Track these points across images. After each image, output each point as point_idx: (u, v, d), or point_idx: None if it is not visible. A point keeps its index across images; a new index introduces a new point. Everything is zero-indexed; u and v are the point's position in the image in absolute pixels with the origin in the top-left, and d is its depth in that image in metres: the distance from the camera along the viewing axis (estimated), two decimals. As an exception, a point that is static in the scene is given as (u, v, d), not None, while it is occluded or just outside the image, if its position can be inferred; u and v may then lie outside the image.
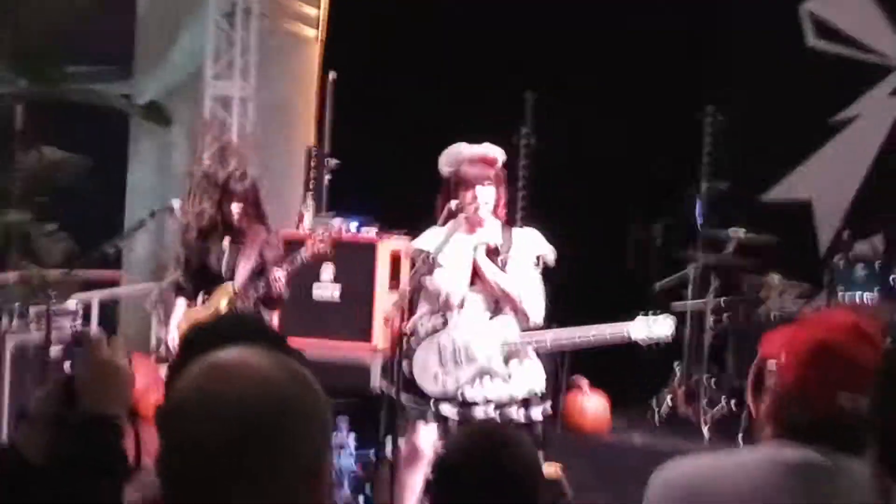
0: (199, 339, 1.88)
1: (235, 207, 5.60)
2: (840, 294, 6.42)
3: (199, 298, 5.69)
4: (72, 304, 6.24)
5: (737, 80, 7.86)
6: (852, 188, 7.68)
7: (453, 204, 4.57)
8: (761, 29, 7.90)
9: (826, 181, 7.75)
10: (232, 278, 5.60)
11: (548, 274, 4.69)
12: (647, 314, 4.51)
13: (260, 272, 5.58)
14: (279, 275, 5.44)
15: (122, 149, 8.54)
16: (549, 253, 4.64)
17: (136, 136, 8.52)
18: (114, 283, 7.95)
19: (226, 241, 5.68)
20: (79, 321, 6.21)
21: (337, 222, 6.09)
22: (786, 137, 7.73)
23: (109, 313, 7.66)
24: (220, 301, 5.56)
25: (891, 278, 6.24)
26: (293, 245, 6.17)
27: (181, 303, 5.77)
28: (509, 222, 4.76)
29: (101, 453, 1.83)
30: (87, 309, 6.74)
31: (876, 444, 1.55)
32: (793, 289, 7.08)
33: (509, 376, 4.53)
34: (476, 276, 4.57)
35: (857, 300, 6.31)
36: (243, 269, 5.58)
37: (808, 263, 7.14)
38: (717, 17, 7.90)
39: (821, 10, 7.84)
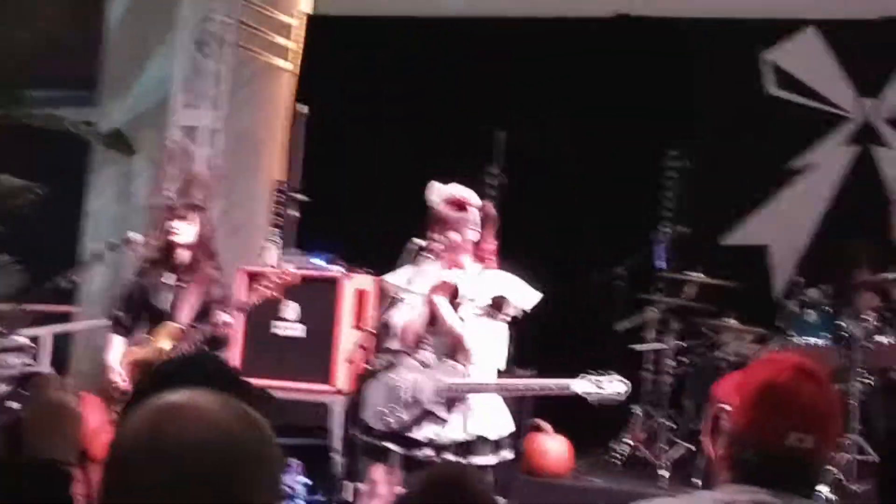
0: (154, 381, 1.82)
1: (181, 230, 5.34)
2: (793, 339, 6.57)
3: (141, 335, 5.41)
4: (21, 339, 5.93)
5: (700, 126, 8.01)
6: (806, 234, 7.85)
7: (418, 241, 4.55)
8: (724, 76, 8.09)
9: (781, 227, 7.84)
10: (173, 316, 5.32)
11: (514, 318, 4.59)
12: (597, 374, 4.44)
13: (205, 312, 5.30)
14: (225, 318, 5.17)
15: (82, 176, 8.26)
16: (522, 299, 4.57)
17: (98, 163, 8.23)
18: (67, 318, 7.73)
19: (171, 278, 5.41)
20: (29, 357, 5.89)
21: (292, 266, 5.99)
22: (745, 183, 7.84)
23: (62, 349, 7.34)
24: (164, 340, 5.29)
25: (839, 323, 6.41)
26: (255, 280, 6.18)
27: (118, 340, 5.46)
28: (489, 264, 4.66)
29: (47, 500, 1.72)
30: (37, 344, 6.40)
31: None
32: (748, 333, 7.23)
33: (451, 421, 4.45)
34: (431, 319, 4.52)
35: (809, 345, 6.47)
36: (188, 308, 5.30)
37: (763, 308, 7.26)
38: (682, 64, 8.09)
39: (781, 60, 8.00)
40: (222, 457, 1.33)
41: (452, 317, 4.51)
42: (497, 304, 4.57)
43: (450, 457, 4.46)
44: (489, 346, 4.57)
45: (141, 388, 1.86)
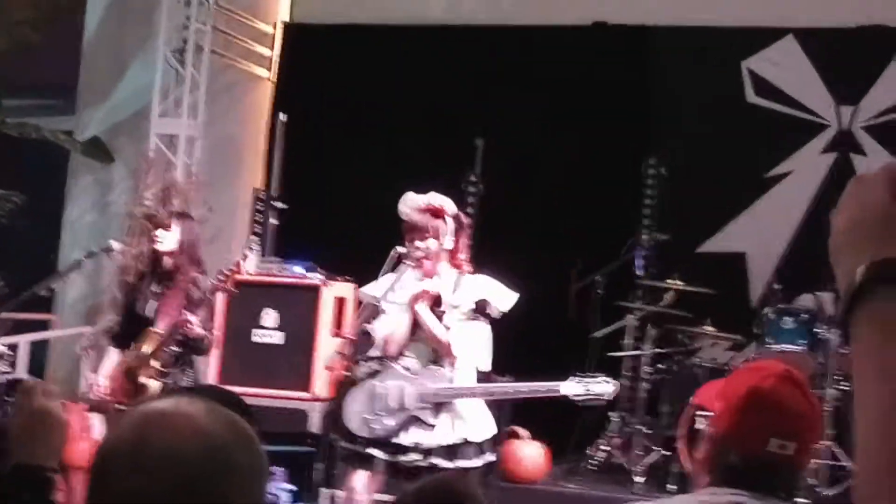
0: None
1: (164, 239, 5.34)
2: (769, 345, 6.58)
3: (132, 345, 5.37)
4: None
5: (678, 134, 8.06)
6: (784, 242, 7.86)
7: (400, 249, 4.58)
8: (703, 84, 8.12)
9: (759, 234, 7.87)
10: (157, 322, 5.29)
11: (491, 322, 4.64)
12: (584, 376, 4.51)
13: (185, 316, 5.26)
14: (189, 317, 5.15)
15: (60, 185, 8.21)
16: (501, 301, 4.61)
17: (76, 172, 8.19)
18: (44, 326, 7.72)
19: (155, 286, 5.41)
20: (6, 365, 5.84)
21: (248, 262, 5.82)
22: (724, 190, 7.88)
23: (38, 357, 7.31)
24: (146, 345, 5.27)
25: (815, 330, 6.42)
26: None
27: (113, 352, 5.46)
28: (465, 270, 4.69)
29: None
30: (14, 352, 6.37)
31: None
32: (725, 340, 7.25)
33: (439, 426, 4.47)
34: (416, 324, 4.54)
35: (786, 351, 6.48)
36: (167, 314, 5.29)
37: (739, 315, 7.28)
38: (661, 72, 8.12)
39: (760, 68, 8.05)
40: (209, 464, 1.31)
41: (436, 325, 4.53)
42: (480, 307, 4.60)
43: (437, 461, 4.47)
44: (475, 349, 4.59)
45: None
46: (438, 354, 4.57)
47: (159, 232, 5.41)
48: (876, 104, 7.74)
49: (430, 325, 4.52)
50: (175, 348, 5.25)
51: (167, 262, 5.42)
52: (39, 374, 7.22)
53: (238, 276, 5.27)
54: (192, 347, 5.32)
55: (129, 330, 5.45)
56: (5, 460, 1.82)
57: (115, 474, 1.31)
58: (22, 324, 6.86)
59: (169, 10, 7.92)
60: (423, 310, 4.53)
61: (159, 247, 5.42)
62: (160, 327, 5.31)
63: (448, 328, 4.54)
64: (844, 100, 7.82)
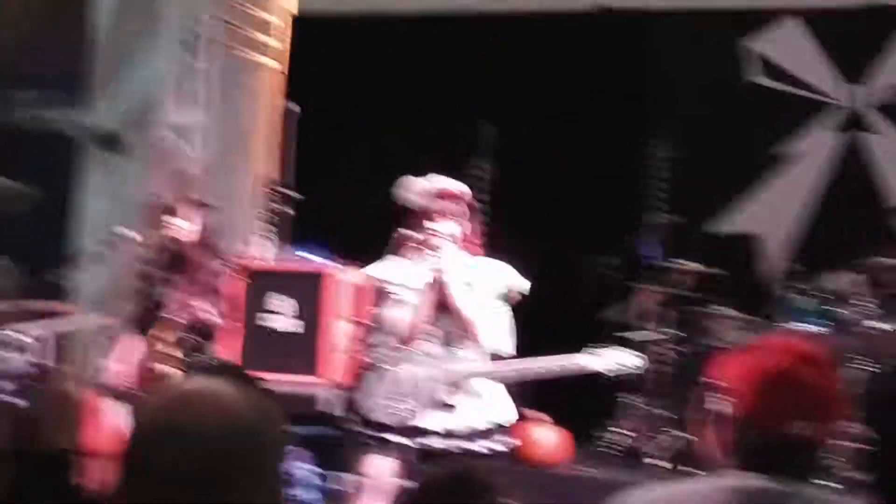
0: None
1: (178, 227, 5.38)
2: (785, 325, 6.56)
3: (149, 332, 5.37)
4: (23, 337, 5.98)
5: (688, 116, 8.02)
6: (797, 222, 7.87)
7: (413, 235, 4.59)
8: (708, 66, 8.08)
9: (772, 215, 7.85)
10: (173, 311, 5.34)
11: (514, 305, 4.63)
12: (612, 347, 4.64)
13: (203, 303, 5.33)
14: (203, 306, 5.21)
15: (73, 176, 8.20)
16: (522, 285, 4.62)
17: (88, 164, 8.16)
18: (61, 315, 7.83)
19: (174, 275, 5.44)
20: (30, 355, 5.89)
21: (253, 250, 5.95)
22: (734, 171, 7.89)
23: (57, 346, 7.62)
24: (166, 334, 5.29)
25: (833, 310, 6.40)
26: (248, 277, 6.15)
27: (131, 339, 5.47)
28: (479, 254, 4.71)
29: (61, 488, 1.78)
30: (34, 340, 6.52)
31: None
32: (738, 320, 7.24)
33: (464, 408, 4.47)
34: (435, 307, 4.56)
35: (802, 332, 6.46)
36: (184, 302, 5.35)
37: (753, 295, 7.28)
38: (666, 54, 8.09)
39: (765, 49, 8.02)
40: (239, 444, 1.35)
41: (467, 306, 4.49)
42: (507, 292, 4.60)
43: (463, 444, 4.46)
44: (499, 332, 4.57)
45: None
46: (458, 337, 4.55)
47: (178, 221, 5.43)
48: (885, 83, 7.70)
49: (459, 306, 4.49)
50: (196, 337, 5.29)
51: (186, 251, 5.44)
52: (58, 362, 7.29)
53: (252, 265, 5.25)
54: (203, 334, 5.35)
55: (148, 318, 5.46)
56: (30, 445, 1.84)
57: (148, 454, 1.35)
58: (40, 313, 6.90)
59: (178, 1, 7.90)
60: (456, 290, 4.49)
61: (179, 236, 5.45)
62: (182, 316, 5.33)
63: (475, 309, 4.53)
64: (852, 79, 7.79)
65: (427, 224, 4.55)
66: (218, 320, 5.26)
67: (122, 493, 1.38)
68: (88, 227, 8.40)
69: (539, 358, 4.62)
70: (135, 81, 8.49)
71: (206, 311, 5.21)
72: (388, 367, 4.55)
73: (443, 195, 4.58)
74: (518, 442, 4.76)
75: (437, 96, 7.73)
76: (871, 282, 6.52)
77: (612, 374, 4.65)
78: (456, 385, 4.50)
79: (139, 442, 1.38)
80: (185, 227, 5.45)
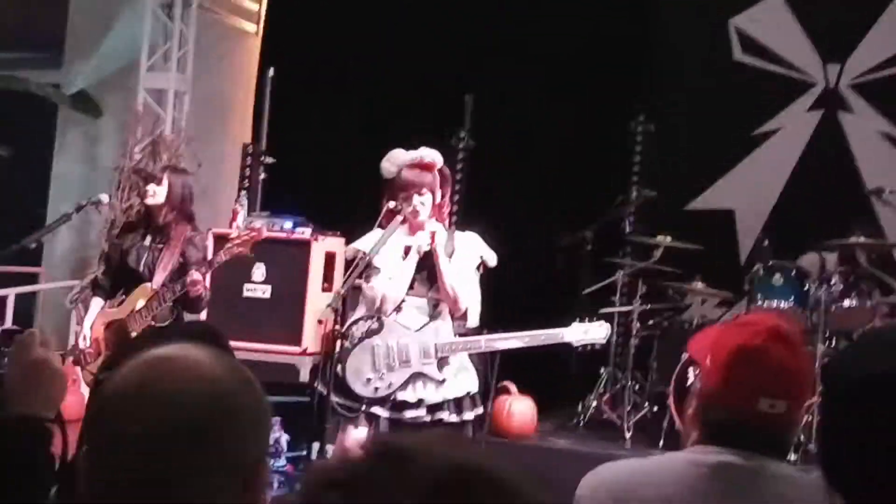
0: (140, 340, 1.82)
1: (156, 193, 5.29)
2: (758, 303, 6.57)
3: (120, 297, 5.35)
4: None
5: (668, 91, 8.02)
6: (772, 199, 7.86)
7: (392, 205, 4.48)
8: (691, 42, 8.07)
9: (748, 191, 7.88)
10: (150, 278, 5.27)
11: (480, 276, 4.61)
12: (582, 320, 4.64)
13: (181, 273, 5.24)
14: (196, 277, 5.07)
15: (48, 139, 8.14)
16: (491, 257, 4.58)
17: (64, 126, 8.12)
18: (32, 279, 7.67)
19: (147, 240, 5.37)
20: None
21: (259, 223, 5.78)
22: (712, 148, 7.87)
23: (26, 310, 7.29)
24: (138, 301, 5.23)
25: (805, 287, 6.42)
26: (224, 243, 6.11)
27: (97, 302, 5.43)
28: (452, 226, 4.73)
29: (30, 455, 1.74)
30: (1, 305, 6.42)
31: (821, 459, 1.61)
32: (715, 296, 7.25)
33: (443, 380, 4.45)
34: (416, 278, 4.50)
35: (775, 308, 6.48)
36: (163, 269, 5.26)
37: (729, 271, 7.28)
38: (650, 29, 8.06)
39: (747, 26, 8.01)
40: (213, 408, 1.30)
41: (451, 274, 4.48)
42: (479, 263, 4.60)
43: (443, 415, 4.45)
44: (474, 302, 4.58)
45: (122, 350, 1.82)
46: (437, 309, 4.55)
47: (150, 186, 5.37)
48: (862, 62, 7.71)
49: (446, 273, 4.48)
50: (171, 304, 5.19)
51: (159, 216, 5.38)
52: (27, 327, 7.22)
53: (254, 237, 5.21)
54: (188, 305, 5.27)
55: (120, 284, 5.41)
56: (2, 411, 1.79)
57: (119, 417, 1.30)
58: (10, 277, 6.84)
59: (156, -36, 7.87)
60: (444, 258, 4.49)
61: (150, 201, 5.38)
62: (156, 282, 5.27)
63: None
64: (831, 57, 7.79)
65: (402, 194, 4.52)
66: (205, 293, 5.17)
67: (90, 459, 1.34)
68: (62, 190, 8.33)
69: (516, 333, 4.62)
70: (111, 44, 8.41)
71: (199, 283, 5.11)
72: (365, 337, 4.53)
73: (415, 165, 4.54)
74: (482, 410, 4.75)
75: (420, 63, 7.66)
76: (843, 260, 6.54)
77: (580, 346, 4.73)
78: (431, 356, 4.49)
79: (108, 408, 1.33)
80: (159, 192, 5.36)
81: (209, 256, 5.38)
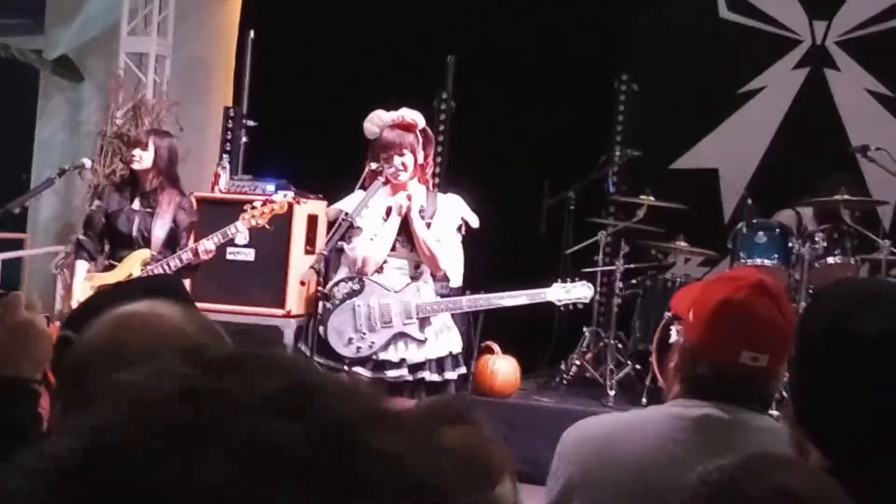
0: (105, 296, 1.73)
1: (142, 158, 5.32)
2: (742, 260, 6.56)
3: (104, 262, 5.39)
4: None
5: (651, 50, 7.96)
6: (756, 157, 7.84)
7: (374, 166, 4.48)
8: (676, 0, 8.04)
9: (731, 150, 7.87)
10: (145, 243, 5.31)
11: (463, 237, 4.63)
12: (565, 281, 4.70)
13: (173, 238, 5.31)
14: (209, 246, 5.13)
15: (31, 104, 8.14)
16: (473, 219, 4.59)
17: (46, 91, 8.11)
18: (17, 245, 7.71)
19: (136, 203, 5.40)
20: None
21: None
22: (696, 107, 7.84)
23: (11, 275, 7.30)
24: (134, 266, 5.26)
25: (789, 245, 6.42)
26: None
27: (82, 265, 5.45)
28: (433, 187, 4.69)
29: (15, 417, 1.73)
30: None
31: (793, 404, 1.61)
32: (698, 254, 7.25)
33: (425, 340, 4.47)
34: (397, 239, 4.49)
35: (758, 266, 6.47)
36: (158, 234, 5.30)
37: (713, 230, 7.28)
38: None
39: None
40: None
41: (429, 236, 4.47)
42: (461, 225, 4.59)
43: (425, 374, 4.46)
44: (456, 263, 4.57)
45: (90, 304, 1.78)
46: (419, 270, 4.53)
47: (136, 151, 5.39)
48: (849, 19, 7.66)
49: (423, 235, 4.47)
50: (165, 269, 5.19)
51: (146, 181, 5.39)
52: (14, 290, 7.22)
53: (275, 211, 5.23)
54: (184, 269, 5.28)
55: (110, 247, 5.44)
56: None
57: (91, 376, 1.28)
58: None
59: (135, -74, 7.78)
60: (418, 219, 4.47)
61: (136, 166, 5.40)
62: (154, 248, 5.30)
63: (438, 241, 4.51)
64: (818, 14, 7.73)
65: (383, 155, 4.48)
66: (207, 252, 5.17)
67: (66, 418, 1.33)
68: (45, 155, 8.30)
69: (499, 293, 4.63)
70: (93, 9, 8.34)
71: (201, 250, 5.14)
72: (346, 298, 4.51)
73: (396, 125, 4.51)
74: (464, 370, 4.77)
75: (401, 24, 7.59)
76: (827, 217, 6.53)
77: (562, 305, 4.76)
78: (413, 316, 4.48)
79: (81, 366, 1.32)
80: (145, 157, 5.38)
81: (195, 221, 5.43)
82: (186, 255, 5.18)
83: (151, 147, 5.38)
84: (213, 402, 0.59)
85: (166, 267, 5.19)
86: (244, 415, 0.59)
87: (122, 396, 0.61)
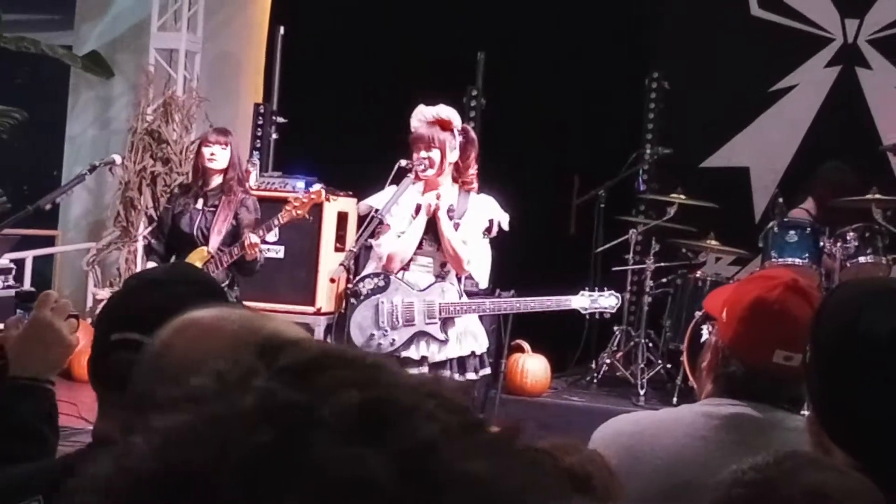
0: (138, 286, 1.70)
1: (220, 156, 5.40)
2: (773, 259, 6.54)
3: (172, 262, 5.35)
4: (4, 262, 5.92)
5: (682, 48, 7.94)
6: (787, 156, 7.80)
7: (403, 162, 4.48)
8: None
9: (763, 149, 7.84)
10: (204, 241, 5.33)
11: (493, 237, 4.58)
12: (592, 290, 4.72)
13: (234, 236, 5.33)
14: (254, 240, 5.18)
15: (61, 100, 8.18)
16: (504, 219, 4.56)
17: (77, 87, 8.15)
18: (49, 241, 7.72)
19: (199, 202, 5.43)
20: (11, 280, 5.89)
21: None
22: (727, 105, 7.81)
23: (43, 272, 7.35)
24: (195, 264, 5.14)
25: (819, 244, 6.39)
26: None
27: (152, 266, 5.39)
28: (471, 188, 4.60)
29: (21, 416, 1.75)
30: (19, 267, 6.38)
31: (812, 404, 1.62)
32: (729, 253, 7.23)
33: (446, 341, 4.45)
34: (424, 237, 4.47)
35: (790, 264, 6.44)
36: (217, 233, 5.32)
37: (744, 229, 7.26)
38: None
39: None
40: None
41: (455, 236, 4.45)
42: (489, 226, 4.56)
43: (446, 374, 4.44)
44: (482, 265, 4.54)
45: (125, 289, 1.74)
46: (444, 269, 4.54)
47: (215, 149, 5.43)
48: (881, 17, 7.62)
49: (449, 236, 4.46)
50: (217, 265, 5.26)
51: (214, 179, 5.45)
52: (45, 289, 7.25)
53: (313, 201, 5.29)
54: (243, 268, 5.35)
55: (174, 248, 5.47)
56: (5, 372, 1.78)
57: (168, 381, 1.24)
58: (26, 239, 6.86)
59: (165, -77, 7.82)
60: (445, 219, 4.46)
61: (212, 164, 5.44)
62: (211, 246, 5.33)
63: (464, 243, 4.49)
64: (849, 12, 7.69)
65: (416, 153, 4.49)
66: (253, 246, 5.22)
67: (133, 428, 1.31)
68: (76, 152, 8.35)
69: (523, 298, 4.66)
70: (122, 4, 8.38)
71: (258, 246, 5.23)
72: (371, 294, 4.52)
73: (429, 121, 4.51)
74: (488, 370, 4.78)
75: (432, 22, 7.59)
76: (859, 216, 6.49)
77: (587, 313, 4.77)
78: (435, 316, 4.48)
79: (149, 370, 1.28)
80: (221, 156, 5.44)
81: (259, 218, 5.46)
82: (235, 250, 5.24)
83: (230, 146, 5.45)
84: (292, 420, 0.58)
85: (219, 263, 5.24)
86: (323, 439, 0.57)
87: (200, 410, 0.60)
